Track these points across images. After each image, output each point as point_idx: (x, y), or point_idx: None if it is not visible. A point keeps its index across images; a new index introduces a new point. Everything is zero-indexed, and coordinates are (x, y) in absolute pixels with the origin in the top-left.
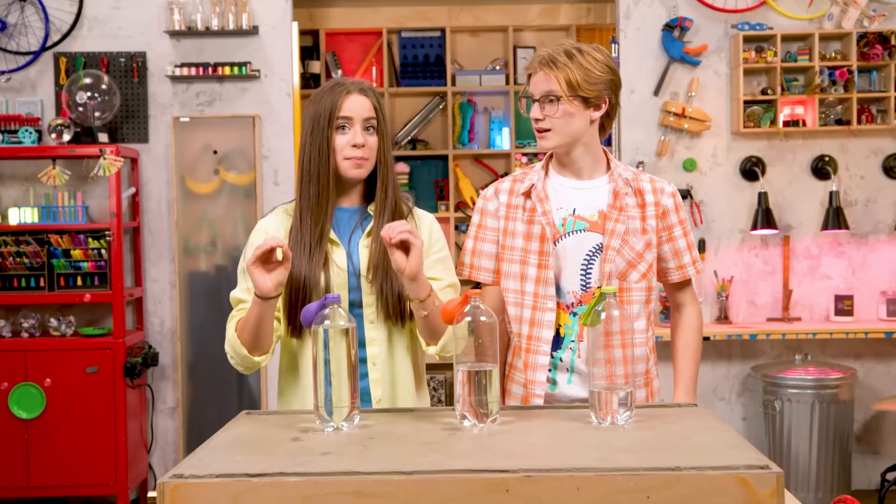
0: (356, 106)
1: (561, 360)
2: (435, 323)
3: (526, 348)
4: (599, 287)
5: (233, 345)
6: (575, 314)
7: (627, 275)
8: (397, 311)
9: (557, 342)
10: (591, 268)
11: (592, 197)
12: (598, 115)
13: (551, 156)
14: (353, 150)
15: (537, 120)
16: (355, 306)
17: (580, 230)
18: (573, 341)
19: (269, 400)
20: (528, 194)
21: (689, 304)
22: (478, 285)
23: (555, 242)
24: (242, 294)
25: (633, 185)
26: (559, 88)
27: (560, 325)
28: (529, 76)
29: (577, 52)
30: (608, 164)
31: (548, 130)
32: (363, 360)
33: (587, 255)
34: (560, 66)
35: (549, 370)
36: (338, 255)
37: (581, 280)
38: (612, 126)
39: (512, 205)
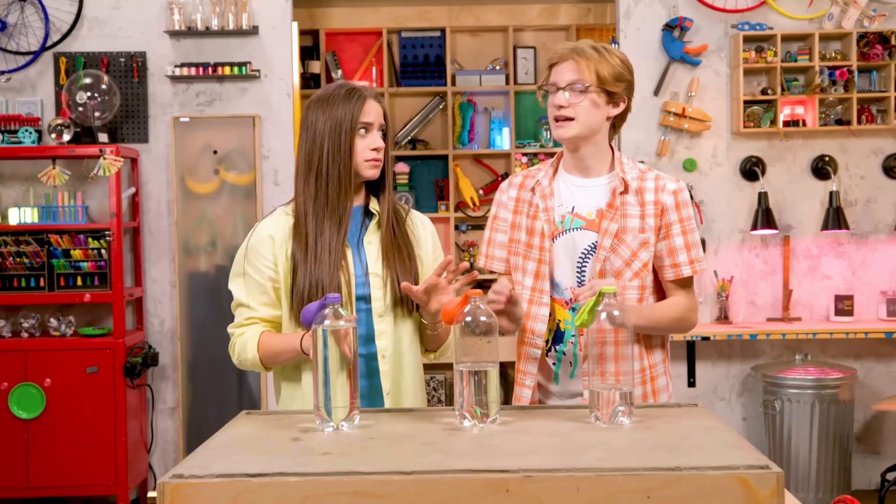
0: (375, 112)
1: (564, 353)
2: (441, 337)
3: (520, 340)
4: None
5: (254, 364)
6: (573, 309)
7: (622, 273)
8: (406, 297)
9: (559, 337)
10: (586, 265)
11: (592, 195)
12: (615, 112)
13: (562, 153)
14: (372, 152)
15: (561, 107)
16: (364, 301)
17: (577, 228)
18: (574, 335)
19: (269, 400)
20: (534, 190)
21: (683, 297)
22: (479, 285)
23: (553, 239)
24: (255, 305)
25: (636, 185)
26: (589, 78)
27: (560, 321)
28: (551, 67)
29: (603, 49)
30: (613, 163)
31: (569, 120)
32: (373, 355)
33: (583, 252)
34: (590, 57)
35: (553, 364)
36: (347, 254)
37: (577, 277)
38: (621, 127)
39: (520, 199)
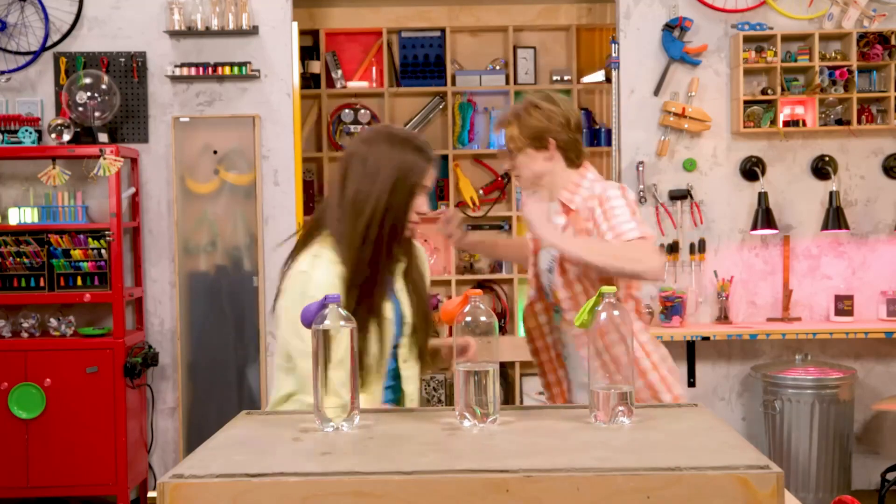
0: (433, 178)
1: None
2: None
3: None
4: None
5: None
6: (556, 311)
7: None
8: (426, 359)
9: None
10: (551, 276)
11: (554, 213)
12: (548, 154)
13: None
14: (417, 216)
15: (511, 168)
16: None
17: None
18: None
19: (269, 400)
20: None
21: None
22: (479, 285)
23: (535, 254)
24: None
25: (578, 202)
26: (513, 140)
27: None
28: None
29: (521, 110)
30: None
31: (518, 175)
32: (399, 399)
33: (551, 265)
34: (508, 124)
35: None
36: (387, 307)
37: (548, 284)
38: (580, 154)
39: None
